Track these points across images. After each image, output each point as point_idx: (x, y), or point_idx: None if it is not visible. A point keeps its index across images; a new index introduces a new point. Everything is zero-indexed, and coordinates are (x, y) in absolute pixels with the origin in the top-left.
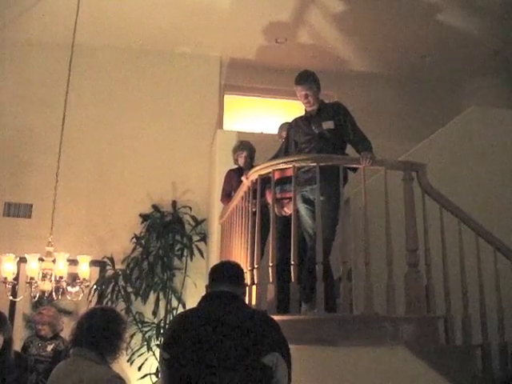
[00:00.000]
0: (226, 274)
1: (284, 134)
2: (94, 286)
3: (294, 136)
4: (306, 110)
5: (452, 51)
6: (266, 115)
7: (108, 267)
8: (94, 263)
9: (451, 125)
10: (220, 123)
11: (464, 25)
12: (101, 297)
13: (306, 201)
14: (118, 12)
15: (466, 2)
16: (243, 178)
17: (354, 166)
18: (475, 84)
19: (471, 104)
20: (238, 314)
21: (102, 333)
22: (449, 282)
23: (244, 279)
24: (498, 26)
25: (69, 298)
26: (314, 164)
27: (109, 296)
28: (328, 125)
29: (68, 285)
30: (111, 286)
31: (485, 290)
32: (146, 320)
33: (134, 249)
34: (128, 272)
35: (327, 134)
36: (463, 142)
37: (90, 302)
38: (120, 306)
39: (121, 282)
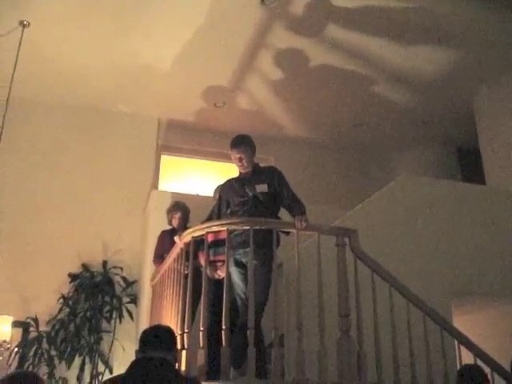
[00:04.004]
0: (157, 339)
1: None
2: (15, 349)
3: (226, 197)
4: (240, 173)
5: (384, 121)
6: (202, 177)
7: (31, 329)
8: (16, 324)
9: (383, 191)
10: (155, 183)
11: (395, 97)
12: (22, 360)
13: (239, 264)
14: (57, 68)
15: (398, 75)
16: (176, 239)
17: (288, 230)
18: (406, 152)
19: (402, 171)
20: (167, 382)
21: None
22: (380, 347)
23: (176, 344)
24: (427, 98)
25: None
26: (248, 227)
27: (31, 359)
28: (262, 188)
29: None
30: (34, 348)
31: (415, 354)
32: None
33: (61, 310)
34: (53, 334)
35: (261, 197)
36: (394, 208)
37: (10, 365)
38: (42, 370)
39: (44, 345)
